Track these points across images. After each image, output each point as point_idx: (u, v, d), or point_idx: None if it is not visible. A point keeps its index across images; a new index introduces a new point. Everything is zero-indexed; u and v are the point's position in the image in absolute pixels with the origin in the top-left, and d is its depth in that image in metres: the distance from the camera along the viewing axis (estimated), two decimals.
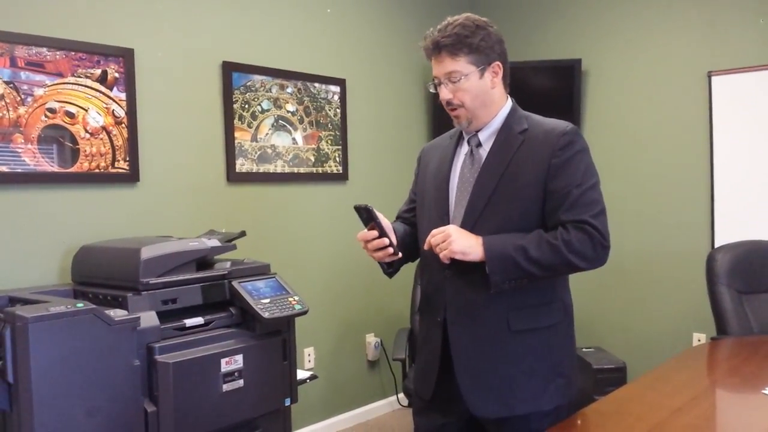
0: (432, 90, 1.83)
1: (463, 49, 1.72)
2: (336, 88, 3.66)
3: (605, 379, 3.47)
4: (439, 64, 1.75)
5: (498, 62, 1.76)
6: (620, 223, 4.08)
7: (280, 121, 3.42)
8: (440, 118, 4.09)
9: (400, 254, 1.74)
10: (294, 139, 3.49)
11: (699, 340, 3.77)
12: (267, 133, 3.37)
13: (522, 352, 1.72)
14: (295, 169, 3.48)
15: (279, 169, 3.41)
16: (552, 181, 1.67)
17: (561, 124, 1.72)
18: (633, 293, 4.06)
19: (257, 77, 3.31)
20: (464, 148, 1.84)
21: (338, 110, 3.68)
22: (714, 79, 3.71)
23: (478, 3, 4.52)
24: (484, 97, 1.76)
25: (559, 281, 1.80)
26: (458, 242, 1.65)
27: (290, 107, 3.47)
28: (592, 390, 3.47)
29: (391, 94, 4.01)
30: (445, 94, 1.75)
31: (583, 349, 3.84)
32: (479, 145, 1.80)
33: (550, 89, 4.14)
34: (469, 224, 1.72)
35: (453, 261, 1.68)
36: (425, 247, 1.72)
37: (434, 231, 1.69)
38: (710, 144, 3.76)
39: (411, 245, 1.96)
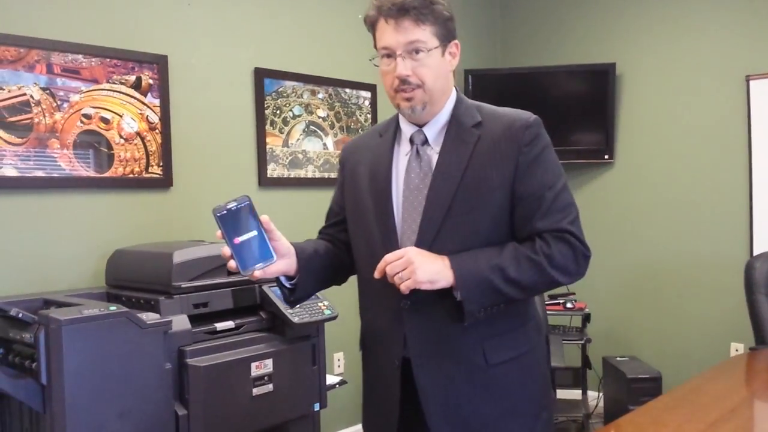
0: (378, 65, 1.48)
1: (429, 17, 1.42)
2: (367, 94, 3.66)
3: (639, 389, 3.41)
4: (398, 31, 1.41)
5: (456, 41, 1.49)
6: (656, 229, 4.01)
7: (311, 127, 3.43)
8: None
9: (248, 274, 1.35)
10: (325, 144, 3.50)
11: (737, 351, 3.68)
12: (298, 139, 3.38)
13: (504, 388, 1.48)
14: (326, 174, 3.49)
15: (310, 174, 3.42)
16: (521, 183, 1.42)
17: (522, 115, 1.46)
18: (668, 301, 3.98)
19: (289, 83, 3.33)
20: (404, 148, 1.53)
21: (369, 115, 3.68)
22: (752, 83, 3.63)
23: (508, 6, 4.49)
24: (444, 80, 1.47)
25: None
26: (423, 269, 1.35)
27: (321, 113, 3.48)
28: (626, 400, 3.40)
29: None
30: (402, 68, 1.40)
31: (617, 358, 3.78)
32: (425, 143, 1.49)
33: (583, 94, 4.09)
34: (426, 243, 1.42)
35: (413, 290, 1.38)
36: (376, 275, 1.39)
37: (389, 256, 1.37)
38: (748, 149, 3.67)
39: (331, 268, 1.64)
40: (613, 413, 3.64)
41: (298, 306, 2.42)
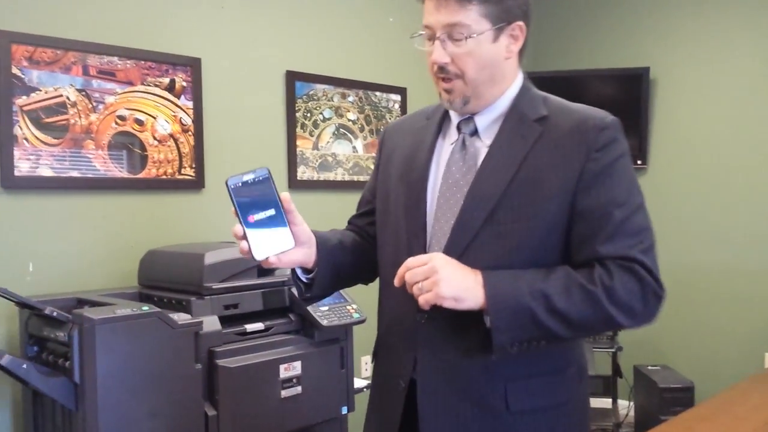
0: (419, 46, 1.28)
1: None
2: (397, 97, 3.66)
3: (671, 399, 3.35)
4: (439, 9, 1.20)
5: (521, 23, 1.25)
6: (689, 236, 3.94)
7: (341, 130, 3.44)
8: None
9: (261, 260, 1.16)
10: (354, 147, 3.50)
11: None
12: (328, 141, 3.39)
13: None
14: (355, 177, 3.49)
15: (339, 177, 3.43)
16: (585, 194, 1.18)
17: (597, 114, 1.23)
18: (702, 309, 3.91)
19: (319, 86, 3.34)
20: (451, 136, 1.31)
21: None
22: None
23: (540, 9, 4.45)
24: (494, 69, 1.24)
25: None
26: (449, 282, 1.12)
27: (351, 116, 3.48)
28: (658, 410, 3.35)
29: None
30: (439, 55, 1.21)
31: (649, 367, 3.72)
32: (475, 133, 1.27)
33: (616, 99, 4.04)
34: (457, 250, 1.20)
35: (434, 306, 1.16)
36: (396, 282, 1.18)
37: (411, 261, 1.15)
38: None
39: (355, 264, 1.43)
40: (644, 423, 3.58)
41: (327, 309, 2.44)
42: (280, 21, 3.20)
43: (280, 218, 1.14)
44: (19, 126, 2.42)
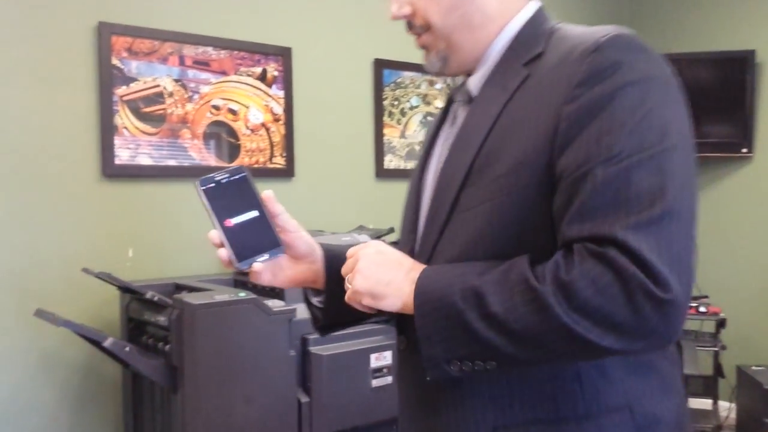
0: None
1: None
2: None
3: None
4: None
5: None
6: None
7: (428, 118, 3.39)
8: None
9: (245, 268, 0.95)
10: None
11: None
12: (415, 130, 3.35)
13: None
14: None
15: None
16: (563, 153, 0.84)
17: (594, 34, 0.87)
18: None
19: (407, 74, 3.30)
20: (453, 109, 1.06)
21: None
22: None
23: None
24: (465, 8, 0.96)
25: (624, 361, 0.89)
26: (365, 275, 0.90)
27: (439, 103, 3.42)
28: (762, 412, 3.16)
29: None
30: (396, 7, 0.99)
31: (753, 368, 3.51)
32: (470, 101, 1.00)
33: (719, 83, 3.82)
34: (426, 252, 0.96)
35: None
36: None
37: (350, 251, 0.96)
38: None
39: None
40: (746, 426, 3.38)
41: None
42: (368, 8, 3.18)
43: (264, 221, 0.96)
44: (119, 116, 2.48)
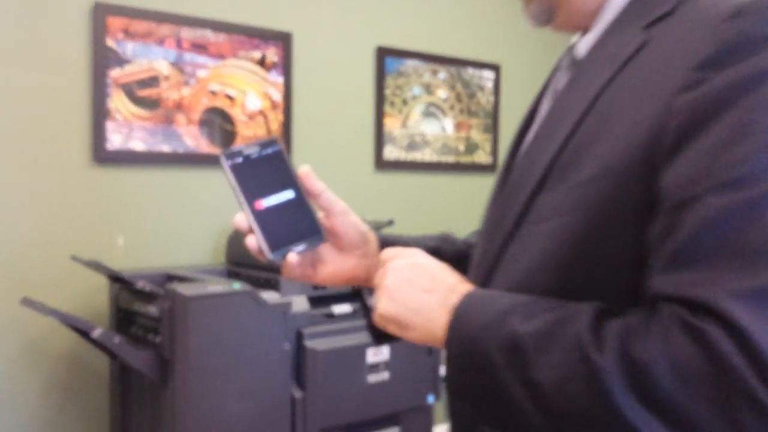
0: None
1: None
2: (490, 74, 3.50)
3: None
4: None
5: None
6: None
7: (430, 108, 3.32)
8: None
9: (278, 260, 0.78)
10: (443, 127, 3.37)
11: None
12: (416, 120, 3.28)
13: None
14: (443, 158, 3.37)
15: (427, 158, 3.31)
16: (668, 160, 0.60)
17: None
18: None
19: (410, 62, 3.22)
20: (557, 78, 0.84)
21: (491, 98, 3.52)
22: None
23: None
24: None
25: None
26: (392, 296, 0.72)
27: (441, 94, 3.35)
28: None
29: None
30: None
31: None
32: (575, 64, 0.79)
33: None
34: (490, 255, 0.76)
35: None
36: None
37: (382, 255, 0.78)
38: None
39: None
40: None
41: None
42: None
43: (302, 203, 0.80)
44: (112, 99, 2.41)
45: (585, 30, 0.78)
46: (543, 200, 0.69)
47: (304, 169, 0.80)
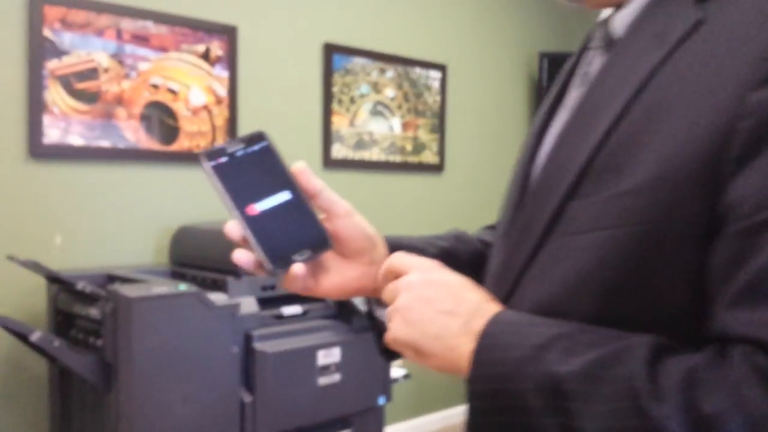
0: None
1: None
2: (437, 74, 3.51)
3: None
4: None
5: None
6: None
7: (377, 107, 3.30)
8: None
9: (280, 271, 0.68)
10: (391, 126, 3.36)
11: None
12: (364, 119, 3.25)
13: None
14: (391, 158, 3.35)
15: (375, 157, 3.29)
16: (737, 170, 0.50)
17: None
18: None
19: (358, 60, 3.19)
20: (587, 60, 0.70)
21: (438, 97, 3.53)
22: None
23: None
24: None
25: None
26: (409, 318, 0.62)
27: (389, 92, 3.34)
28: None
29: (494, 82, 3.83)
30: None
31: None
32: (609, 47, 0.66)
33: None
34: (515, 267, 0.65)
35: None
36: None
37: (389, 263, 0.67)
38: None
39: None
40: None
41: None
42: None
43: (301, 205, 0.70)
44: (49, 92, 2.29)
45: (618, 5, 0.66)
46: (577, 208, 0.59)
47: (298, 166, 0.70)
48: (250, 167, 0.70)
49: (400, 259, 0.66)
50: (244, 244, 0.67)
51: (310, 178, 0.70)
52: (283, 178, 0.71)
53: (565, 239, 0.60)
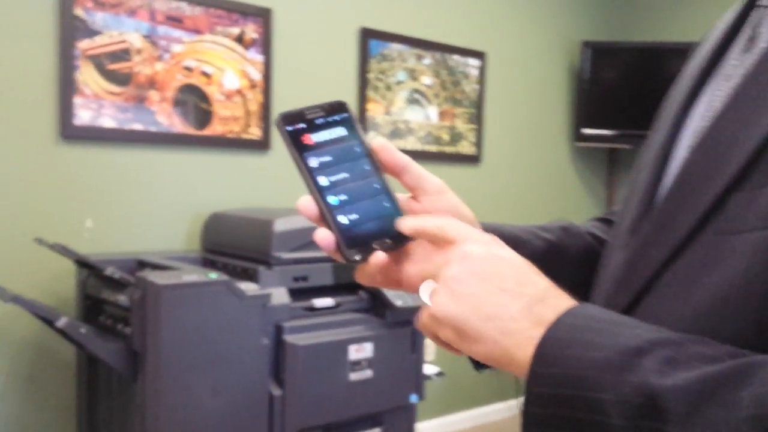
0: None
1: None
2: (476, 62, 3.40)
3: None
4: None
5: None
6: None
7: (414, 95, 3.20)
8: (587, 99, 3.76)
9: (357, 260, 0.58)
10: (427, 114, 3.26)
11: None
12: (400, 107, 3.16)
13: None
14: (427, 148, 3.26)
15: (410, 147, 3.20)
16: None
17: None
18: None
19: (395, 46, 3.10)
20: (748, 29, 0.58)
21: (476, 86, 3.42)
22: None
23: None
24: None
25: None
26: (456, 291, 0.51)
27: (426, 80, 3.24)
28: None
29: (534, 71, 3.71)
30: None
31: None
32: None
33: None
34: (643, 273, 0.54)
35: None
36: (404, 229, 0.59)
37: (440, 228, 0.55)
38: None
39: (586, 285, 0.74)
40: None
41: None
42: None
43: (383, 185, 0.62)
44: (81, 72, 2.24)
45: None
46: (742, 201, 0.48)
47: (379, 141, 0.61)
48: (328, 138, 0.62)
49: (457, 226, 0.55)
50: (320, 222, 0.59)
51: (393, 153, 0.61)
52: (362, 155, 0.62)
53: (721, 238, 0.48)
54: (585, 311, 0.48)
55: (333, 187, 0.59)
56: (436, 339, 0.54)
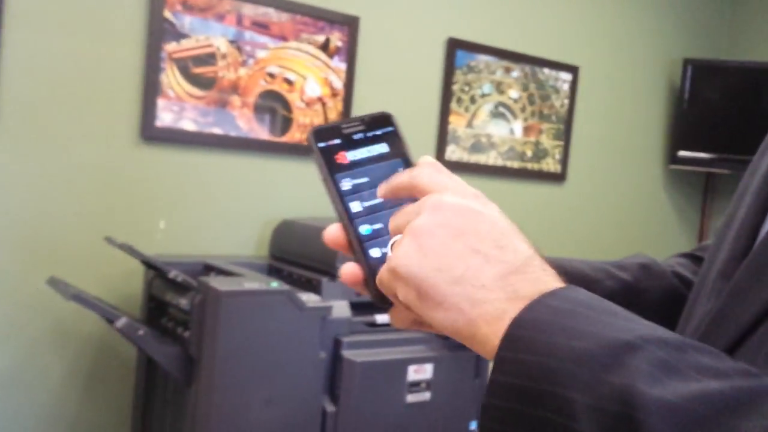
0: None
1: None
2: (567, 76, 3.26)
3: None
4: None
5: None
6: None
7: (499, 108, 3.11)
8: (686, 119, 3.54)
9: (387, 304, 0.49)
10: (512, 129, 3.16)
11: None
12: (484, 120, 3.07)
13: None
14: (509, 163, 3.16)
15: (491, 161, 3.10)
16: None
17: None
18: None
19: (482, 57, 3.02)
20: None
21: (566, 101, 3.29)
22: None
23: None
24: None
25: None
26: (423, 244, 0.43)
27: (513, 93, 3.14)
28: None
29: (630, 88, 3.53)
30: None
31: None
32: None
33: None
34: (746, 316, 0.45)
35: None
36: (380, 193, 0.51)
37: (413, 177, 0.48)
38: None
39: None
40: None
41: None
42: None
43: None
44: (166, 74, 2.29)
45: None
46: None
47: (426, 160, 0.51)
48: (367, 155, 0.54)
49: (430, 174, 0.47)
50: (348, 252, 0.51)
51: (438, 171, 0.51)
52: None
53: None
54: (573, 294, 0.40)
55: (366, 214, 0.52)
56: (395, 299, 0.46)
